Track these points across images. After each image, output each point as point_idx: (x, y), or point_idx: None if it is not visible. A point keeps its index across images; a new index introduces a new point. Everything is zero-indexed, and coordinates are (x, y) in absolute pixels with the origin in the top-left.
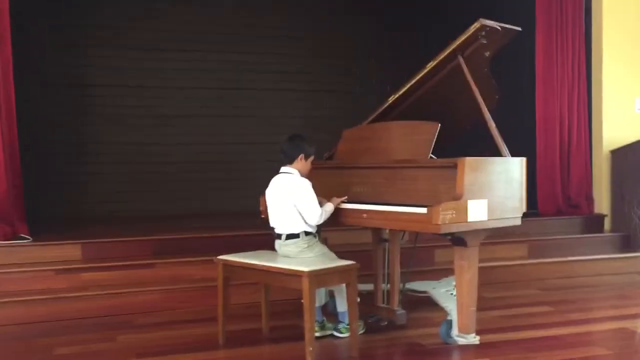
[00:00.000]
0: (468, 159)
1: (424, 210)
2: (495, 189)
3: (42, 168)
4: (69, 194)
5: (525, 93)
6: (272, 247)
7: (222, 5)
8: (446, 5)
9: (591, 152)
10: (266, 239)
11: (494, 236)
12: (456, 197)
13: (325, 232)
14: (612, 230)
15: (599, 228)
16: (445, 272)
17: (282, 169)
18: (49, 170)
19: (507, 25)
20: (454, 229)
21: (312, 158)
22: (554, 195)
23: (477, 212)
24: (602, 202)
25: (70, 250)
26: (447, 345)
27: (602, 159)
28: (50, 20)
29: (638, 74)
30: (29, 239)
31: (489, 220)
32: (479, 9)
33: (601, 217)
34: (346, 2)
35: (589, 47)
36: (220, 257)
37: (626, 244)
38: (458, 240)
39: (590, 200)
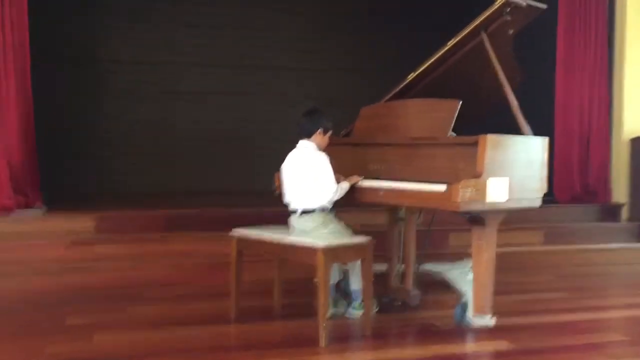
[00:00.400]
0: (490, 135)
1: (443, 187)
2: (516, 168)
3: (59, 142)
4: (85, 168)
5: (544, 76)
6: (287, 224)
7: None
8: None
9: (611, 140)
10: (281, 216)
11: (510, 221)
12: (476, 174)
13: (338, 212)
14: (630, 219)
15: (616, 217)
16: (460, 256)
17: (300, 142)
18: (67, 145)
19: (532, 2)
20: (473, 207)
21: (330, 133)
22: (571, 181)
23: (497, 190)
24: (620, 191)
25: (83, 222)
26: (462, 327)
27: (621, 147)
28: None
29: None
30: (43, 208)
31: (508, 200)
32: None
33: (619, 206)
34: None
35: (611, 34)
36: (235, 230)
37: None
38: (477, 219)
39: (608, 188)
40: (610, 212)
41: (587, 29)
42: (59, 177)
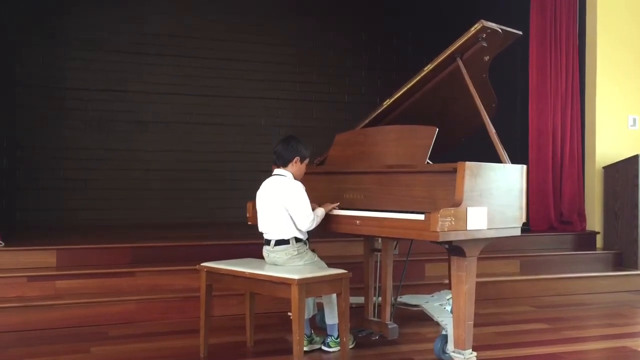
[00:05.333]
0: (469, 163)
1: (421, 216)
2: (496, 196)
3: (19, 173)
4: (47, 200)
5: (518, 107)
6: (258, 257)
7: (209, 11)
8: (439, 17)
9: (584, 168)
10: (251, 248)
11: (486, 251)
12: (455, 203)
13: (313, 243)
14: (604, 247)
15: (591, 245)
16: (436, 286)
17: (276, 171)
18: (27, 176)
19: (508, 28)
20: (453, 237)
21: (307, 161)
22: (546, 211)
23: (477, 220)
24: (595, 219)
25: (44, 257)
26: None
27: (594, 175)
28: (32, 20)
29: (631, 91)
30: (1, 243)
31: (488, 229)
32: (471, 22)
33: (593, 234)
34: (337, 12)
35: (582, 63)
36: (204, 263)
37: (618, 262)
38: (456, 249)
39: (582, 216)
40: (585, 241)
41: (559, 56)
42: (19, 211)
